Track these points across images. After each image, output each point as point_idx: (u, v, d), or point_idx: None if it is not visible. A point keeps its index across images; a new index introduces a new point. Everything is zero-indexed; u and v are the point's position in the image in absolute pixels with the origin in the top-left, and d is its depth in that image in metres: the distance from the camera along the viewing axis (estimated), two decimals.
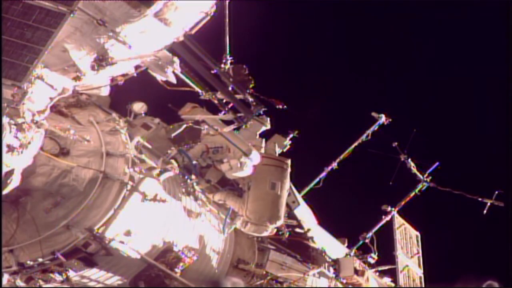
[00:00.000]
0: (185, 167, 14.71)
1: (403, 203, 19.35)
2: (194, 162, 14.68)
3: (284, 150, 16.70)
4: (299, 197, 16.90)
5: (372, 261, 17.86)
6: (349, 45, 26.41)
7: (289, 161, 15.04)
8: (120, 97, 14.98)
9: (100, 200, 12.96)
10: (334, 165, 19.07)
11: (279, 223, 14.68)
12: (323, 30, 25.75)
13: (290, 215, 16.27)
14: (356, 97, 25.44)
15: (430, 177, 19.24)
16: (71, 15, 10.44)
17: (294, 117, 16.00)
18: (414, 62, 26.93)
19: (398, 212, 19.31)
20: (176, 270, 13.98)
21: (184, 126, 15.39)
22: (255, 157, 14.37)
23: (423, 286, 19.54)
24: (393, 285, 18.69)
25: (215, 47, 13.87)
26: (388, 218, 19.10)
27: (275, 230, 15.03)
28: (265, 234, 14.78)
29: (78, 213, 12.77)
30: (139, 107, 15.44)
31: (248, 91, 14.31)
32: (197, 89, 13.83)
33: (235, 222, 14.74)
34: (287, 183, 14.99)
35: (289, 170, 14.98)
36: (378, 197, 20.69)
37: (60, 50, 11.80)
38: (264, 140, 15.65)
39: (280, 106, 14.89)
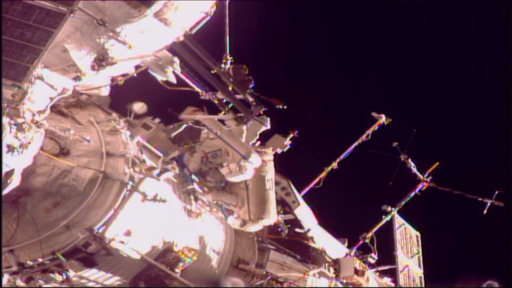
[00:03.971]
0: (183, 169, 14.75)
1: (403, 203, 19.35)
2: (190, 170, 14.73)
3: (284, 150, 16.70)
4: (299, 197, 16.90)
5: (372, 261, 17.86)
6: (349, 45, 26.42)
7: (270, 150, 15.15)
8: (120, 97, 14.98)
9: (100, 200, 12.96)
10: (334, 165, 19.08)
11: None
12: (323, 30, 25.76)
13: (286, 211, 16.31)
14: (356, 97, 25.46)
15: (430, 177, 19.24)
16: (71, 15, 10.43)
17: (294, 117, 16.01)
18: (414, 62, 26.95)
19: (398, 212, 19.31)
20: (176, 270, 13.99)
21: (184, 126, 15.38)
22: (255, 160, 14.35)
23: (423, 286, 19.55)
24: (393, 285, 18.69)
25: (215, 47, 13.88)
26: (388, 218, 19.10)
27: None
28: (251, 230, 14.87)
29: (78, 213, 12.77)
30: (139, 107, 15.43)
31: (248, 91, 14.33)
32: (197, 89, 13.84)
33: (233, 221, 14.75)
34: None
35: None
36: (378, 197, 20.71)
37: (60, 50, 11.80)
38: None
39: (280, 106, 14.90)
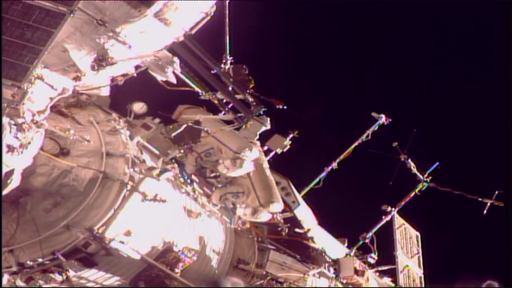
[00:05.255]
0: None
1: (403, 203, 19.35)
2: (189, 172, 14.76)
3: (284, 150, 16.71)
4: (299, 197, 16.90)
5: (372, 261, 17.85)
6: (349, 45, 26.42)
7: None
8: (120, 97, 14.98)
9: (100, 200, 12.96)
10: (334, 165, 19.08)
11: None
12: (323, 30, 25.76)
13: (285, 210, 16.33)
14: (356, 97, 25.46)
15: (430, 177, 19.25)
16: (71, 15, 10.42)
17: (294, 117, 16.01)
18: (414, 62, 26.95)
19: (398, 212, 19.31)
20: (176, 270, 13.99)
21: (184, 126, 15.37)
22: (250, 153, 14.34)
23: (423, 286, 19.55)
24: (393, 285, 18.68)
25: (215, 47, 13.88)
26: (388, 218, 19.10)
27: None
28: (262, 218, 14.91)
29: (78, 213, 12.77)
30: (139, 107, 15.42)
31: (248, 91, 14.32)
32: (197, 89, 13.84)
33: (240, 211, 14.77)
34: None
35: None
36: (378, 197, 20.71)
37: (60, 50, 11.80)
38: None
39: (280, 106, 14.90)
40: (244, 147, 14.26)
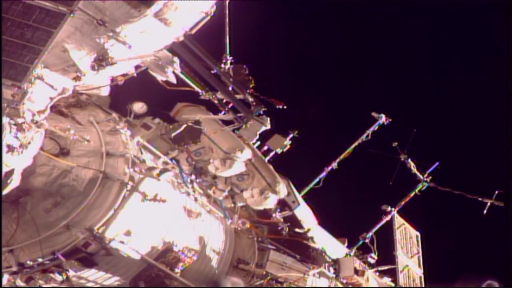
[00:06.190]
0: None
1: (403, 203, 19.34)
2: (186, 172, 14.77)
3: (284, 150, 16.71)
4: (299, 197, 16.90)
5: (372, 261, 17.85)
6: (349, 45, 26.42)
7: None
8: (120, 97, 14.98)
9: (100, 200, 12.96)
10: (334, 165, 19.07)
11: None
12: (323, 30, 25.76)
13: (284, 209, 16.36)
14: (356, 97, 25.46)
15: (430, 177, 19.25)
16: (71, 15, 10.42)
17: (294, 117, 16.02)
18: (414, 62, 26.95)
19: (398, 212, 19.31)
20: (176, 270, 13.99)
21: (184, 126, 15.38)
22: (241, 154, 14.34)
23: (423, 286, 19.55)
24: (393, 285, 18.68)
25: (215, 47, 13.89)
26: (388, 218, 19.09)
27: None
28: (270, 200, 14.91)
29: (78, 213, 12.77)
30: (139, 107, 15.43)
31: (248, 91, 14.34)
32: (197, 89, 13.85)
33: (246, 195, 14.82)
34: None
35: None
36: (378, 197, 20.71)
37: (60, 50, 11.81)
38: None
39: (280, 106, 14.91)
40: (235, 147, 14.26)
